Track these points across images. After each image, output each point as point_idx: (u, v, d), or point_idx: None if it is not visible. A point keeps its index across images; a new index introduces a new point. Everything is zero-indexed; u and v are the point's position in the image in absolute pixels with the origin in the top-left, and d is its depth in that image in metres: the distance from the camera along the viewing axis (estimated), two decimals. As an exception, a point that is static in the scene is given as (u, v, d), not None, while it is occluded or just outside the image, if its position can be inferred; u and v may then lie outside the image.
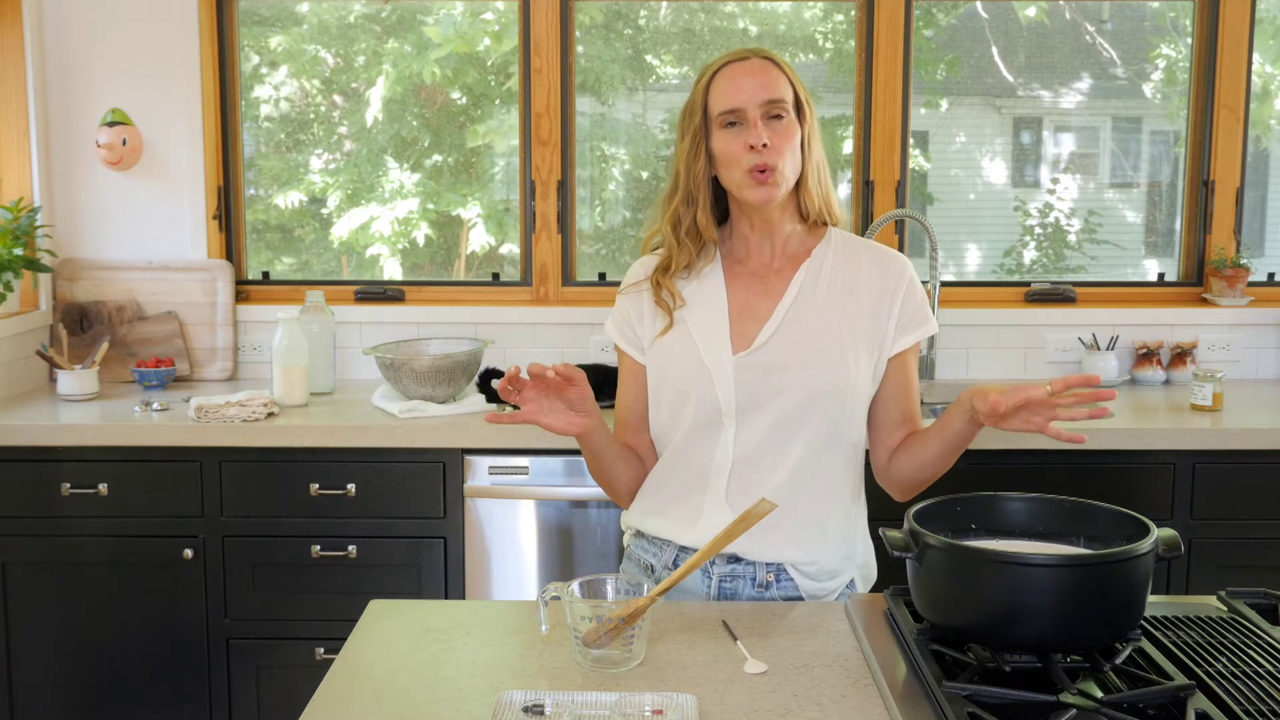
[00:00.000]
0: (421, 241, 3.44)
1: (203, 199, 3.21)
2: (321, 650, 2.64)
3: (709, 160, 1.69)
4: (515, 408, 1.61)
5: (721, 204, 1.76)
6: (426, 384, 2.72)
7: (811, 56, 3.42)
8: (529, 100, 3.24)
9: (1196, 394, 2.76)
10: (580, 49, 3.31)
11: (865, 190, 3.25)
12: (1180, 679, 1.21)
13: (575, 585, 1.42)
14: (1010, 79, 3.40)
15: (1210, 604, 1.48)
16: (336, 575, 2.64)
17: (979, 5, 3.38)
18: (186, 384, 3.12)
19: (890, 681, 1.29)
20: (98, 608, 2.67)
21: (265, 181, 3.43)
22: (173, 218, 3.20)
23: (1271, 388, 3.08)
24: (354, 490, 2.62)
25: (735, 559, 1.67)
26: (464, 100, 3.44)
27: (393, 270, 3.44)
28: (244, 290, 3.30)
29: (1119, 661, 1.27)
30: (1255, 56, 3.21)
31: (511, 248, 3.39)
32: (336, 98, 3.48)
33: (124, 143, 3.11)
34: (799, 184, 1.70)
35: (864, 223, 3.24)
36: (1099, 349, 3.10)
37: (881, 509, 1.88)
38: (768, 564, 1.67)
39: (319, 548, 2.63)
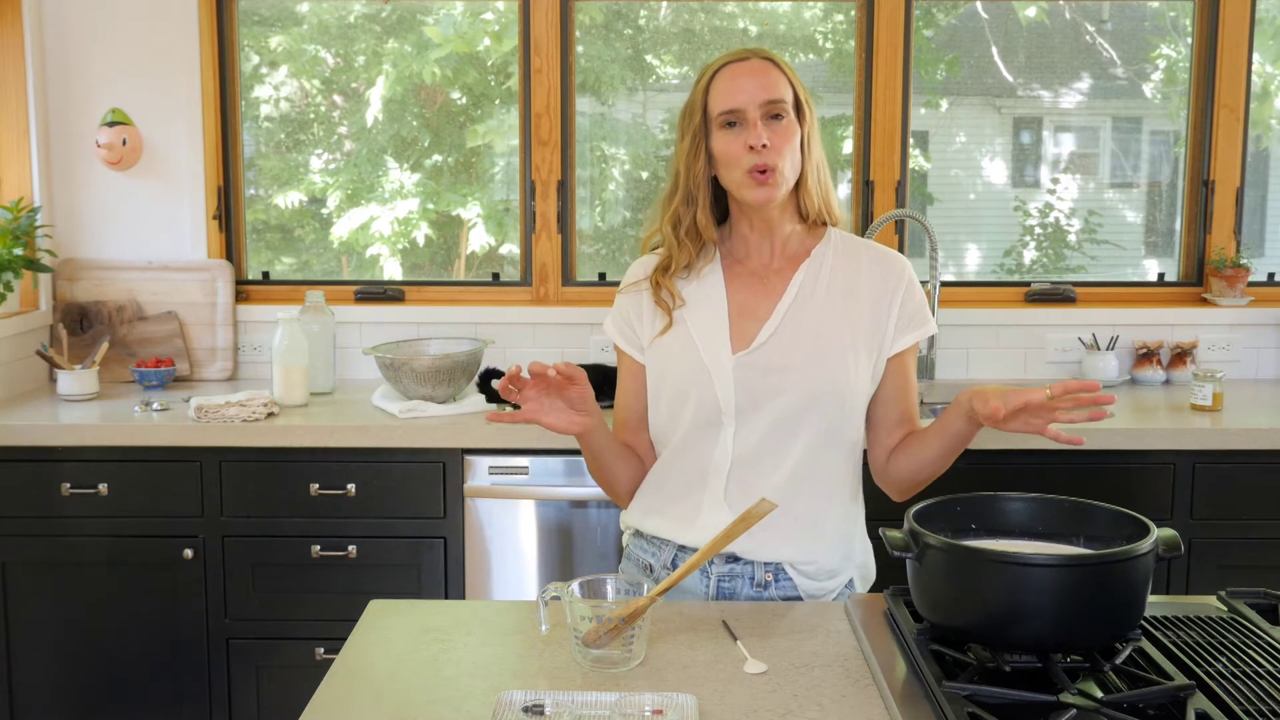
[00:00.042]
0: (421, 241, 3.44)
1: (203, 199, 3.21)
2: (321, 650, 2.64)
3: (709, 160, 1.69)
4: (516, 407, 1.61)
5: (721, 204, 1.76)
6: (426, 384, 2.72)
7: (811, 56, 3.42)
8: (529, 100, 3.24)
9: (1196, 394, 2.76)
10: (580, 49, 3.31)
11: (865, 190, 3.25)
12: (1180, 679, 1.21)
13: (575, 585, 1.42)
14: (1010, 79, 3.40)
15: (1210, 604, 1.48)
16: (336, 575, 2.64)
17: (979, 5, 3.38)
18: (186, 384, 3.12)
19: (890, 681, 1.29)
20: (98, 608, 2.67)
21: (265, 181, 3.43)
22: (173, 218, 3.20)
23: (1271, 388, 3.08)
24: (354, 490, 2.62)
25: (734, 558, 1.68)
26: (464, 100, 3.44)
27: (393, 270, 3.44)
28: (244, 290, 3.30)
29: (1119, 661, 1.27)
30: (1255, 56, 3.21)
31: (511, 248, 3.39)
32: (336, 98, 3.48)
33: (124, 143, 3.11)
34: (799, 184, 1.70)
35: (864, 223, 3.24)
36: (1099, 349, 3.10)
37: (880, 509, 1.89)
38: (766, 563, 1.67)
39: (319, 548, 2.63)
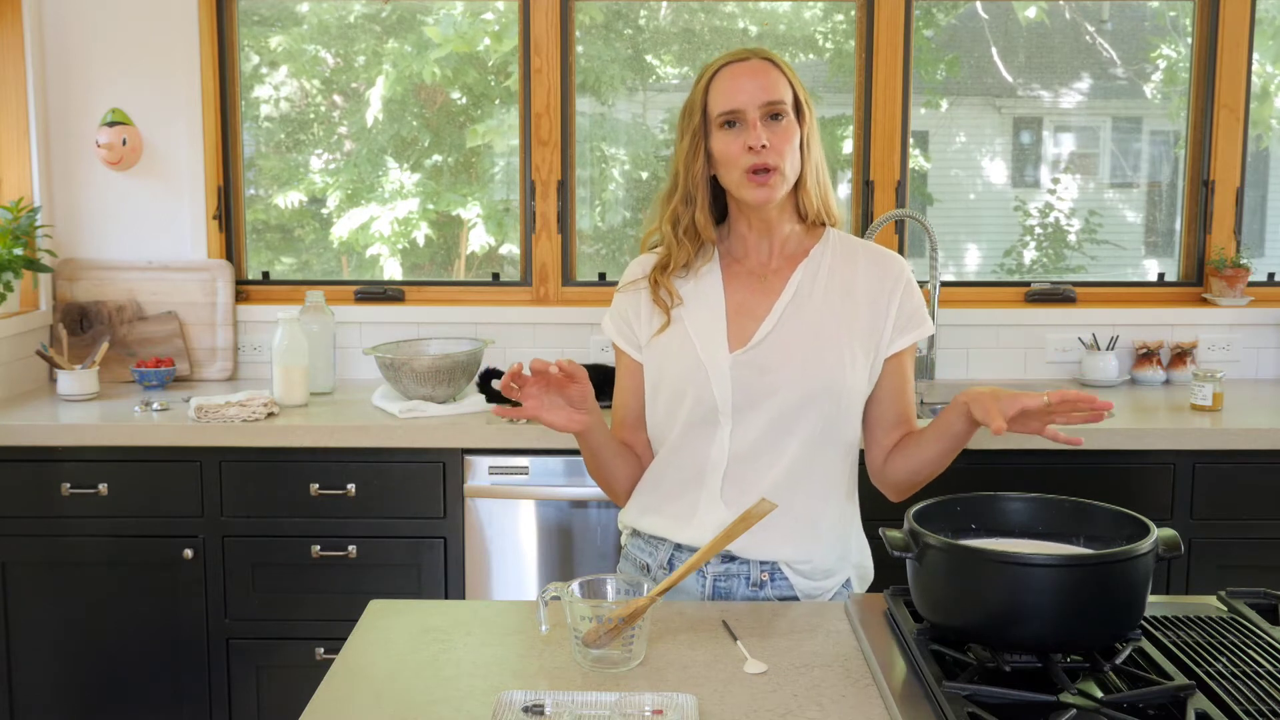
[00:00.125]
0: (421, 241, 3.44)
1: (203, 199, 3.21)
2: (321, 650, 2.64)
3: (708, 160, 1.70)
4: (516, 405, 1.61)
5: (720, 203, 1.76)
6: (426, 384, 2.72)
7: (811, 56, 3.42)
8: (529, 100, 3.24)
9: (1196, 394, 2.76)
10: (580, 49, 3.31)
11: (865, 190, 3.25)
12: (1180, 679, 1.21)
13: (575, 585, 1.42)
14: (1010, 79, 3.40)
15: (1210, 604, 1.48)
16: (336, 575, 2.64)
17: (979, 5, 3.38)
18: (186, 384, 3.12)
19: (890, 681, 1.29)
20: (98, 608, 2.67)
21: (265, 181, 3.43)
22: (173, 218, 3.20)
23: (1271, 388, 3.08)
24: (354, 490, 2.62)
25: (730, 558, 1.68)
26: (464, 100, 3.44)
27: (393, 270, 3.44)
28: (244, 290, 3.30)
29: (1119, 661, 1.27)
30: (1255, 56, 3.21)
31: (511, 248, 3.39)
32: (336, 98, 3.48)
33: (124, 143, 3.11)
34: (798, 184, 1.70)
35: (864, 223, 3.24)
36: (1099, 349, 3.10)
37: (878, 509, 1.89)
38: (762, 563, 1.67)
39: (319, 548, 2.63)
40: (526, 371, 1.58)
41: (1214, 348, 3.18)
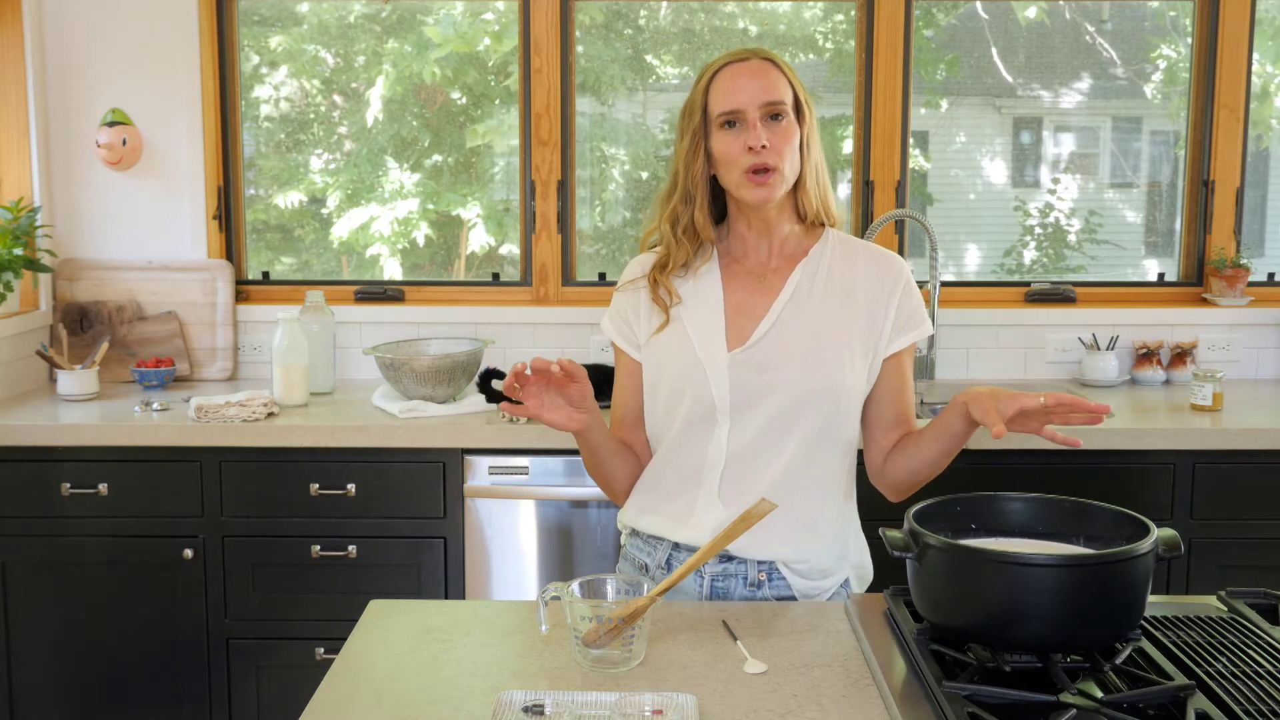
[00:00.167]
0: (421, 241, 3.44)
1: (203, 199, 3.21)
2: (321, 650, 2.64)
3: (708, 160, 1.70)
4: (518, 404, 1.61)
5: (720, 203, 1.76)
6: (426, 384, 2.72)
7: (811, 56, 3.42)
8: (529, 100, 3.24)
9: (1196, 394, 2.76)
10: (580, 49, 3.31)
11: (865, 190, 3.25)
12: (1180, 679, 1.21)
13: (575, 585, 1.42)
14: (1010, 79, 3.40)
15: (1210, 604, 1.48)
16: (336, 575, 2.64)
17: (979, 5, 3.38)
18: (186, 384, 3.12)
19: (890, 681, 1.29)
20: (98, 608, 2.67)
21: (265, 181, 3.43)
22: (173, 218, 3.20)
23: (1271, 388, 3.08)
24: (354, 490, 2.62)
25: (728, 558, 1.68)
26: (464, 100, 3.44)
27: (393, 270, 3.44)
28: (244, 290, 3.30)
29: (1119, 661, 1.27)
30: (1255, 56, 3.21)
31: (511, 248, 3.39)
32: (336, 98, 3.48)
33: (124, 143, 3.11)
34: (797, 184, 1.70)
35: (864, 223, 3.24)
36: (1099, 349, 3.10)
37: (878, 509, 1.89)
38: (760, 562, 1.67)
39: (319, 548, 2.63)
40: (528, 370, 1.58)
41: (1214, 348, 3.18)
